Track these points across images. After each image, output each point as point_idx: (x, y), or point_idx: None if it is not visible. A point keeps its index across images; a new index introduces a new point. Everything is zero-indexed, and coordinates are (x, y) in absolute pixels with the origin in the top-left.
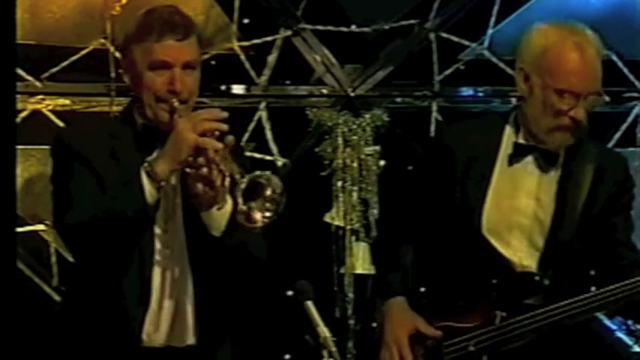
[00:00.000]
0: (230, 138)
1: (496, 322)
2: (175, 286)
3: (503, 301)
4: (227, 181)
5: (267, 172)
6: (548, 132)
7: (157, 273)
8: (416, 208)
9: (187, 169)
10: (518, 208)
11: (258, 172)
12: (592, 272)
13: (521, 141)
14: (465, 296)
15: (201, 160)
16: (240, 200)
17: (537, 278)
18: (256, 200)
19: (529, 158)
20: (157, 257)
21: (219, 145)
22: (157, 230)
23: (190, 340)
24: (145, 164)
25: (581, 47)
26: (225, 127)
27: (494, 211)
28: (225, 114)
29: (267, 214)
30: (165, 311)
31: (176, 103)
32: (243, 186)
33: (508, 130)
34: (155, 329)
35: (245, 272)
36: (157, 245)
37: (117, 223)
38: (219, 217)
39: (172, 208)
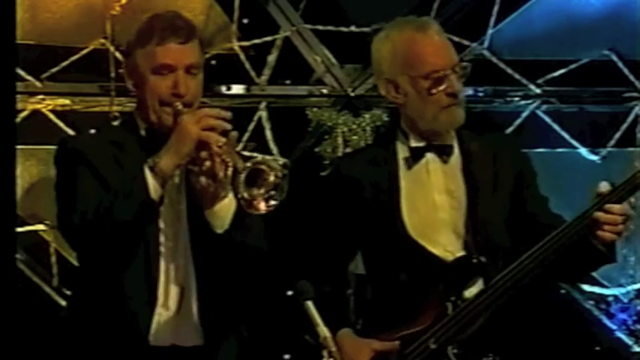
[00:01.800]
0: (234, 134)
1: (449, 313)
2: (179, 284)
3: (448, 291)
4: (230, 171)
5: (267, 157)
6: (435, 118)
7: (161, 271)
8: (341, 240)
9: (191, 167)
10: (433, 206)
11: (258, 158)
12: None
13: (414, 144)
14: (410, 302)
15: (204, 154)
16: (242, 189)
17: (475, 260)
18: (260, 187)
19: (427, 157)
20: (163, 257)
21: (223, 139)
22: (162, 231)
23: (196, 339)
24: (149, 160)
25: (422, 28)
26: (228, 126)
27: (413, 215)
28: (228, 114)
29: (272, 202)
30: (171, 310)
31: (180, 107)
32: (244, 174)
33: (400, 141)
34: (161, 328)
35: (248, 269)
36: (162, 245)
37: (121, 220)
38: (223, 214)
39: (176, 211)
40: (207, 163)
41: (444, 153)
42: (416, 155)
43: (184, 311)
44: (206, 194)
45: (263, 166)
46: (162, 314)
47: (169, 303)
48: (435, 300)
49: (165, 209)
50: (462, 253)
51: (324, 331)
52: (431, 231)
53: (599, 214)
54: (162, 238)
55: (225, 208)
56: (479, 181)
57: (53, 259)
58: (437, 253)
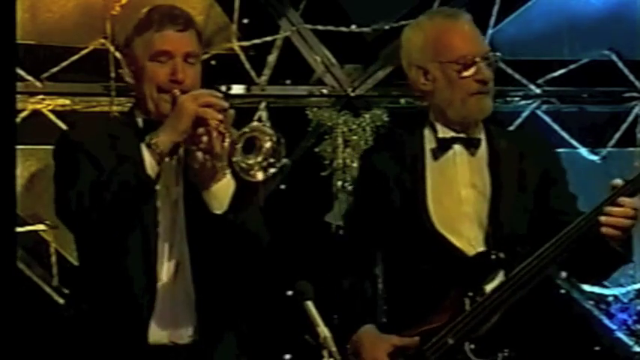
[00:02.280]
0: (231, 112)
1: (466, 309)
2: (175, 272)
3: (467, 287)
4: (227, 142)
5: (258, 124)
6: (463, 104)
7: (158, 261)
8: (367, 236)
9: (188, 146)
10: (459, 199)
11: (252, 125)
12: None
13: (441, 135)
14: (432, 296)
15: (201, 130)
16: (240, 158)
17: (493, 256)
18: (257, 155)
19: (454, 149)
20: (159, 244)
21: (220, 116)
22: (159, 216)
23: (191, 334)
24: (146, 137)
25: (454, 16)
26: (226, 104)
27: (439, 207)
28: (225, 103)
29: (270, 169)
30: (166, 302)
31: (178, 93)
32: (241, 143)
33: (426, 131)
34: (156, 321)
35: (245, 254)
36: (161, 232)
37: (118, 197)
38: (221, 195)
39: (173, 194)
40: (205, 139)
41: (471, 145)
42: (443, 146)
43: (180, 288)
44: (203, 171)
45: (257, 133)
46: (159, 293)
47: (166, 281)
48: (453, 295)
49: (162, 194)
50: (482, 249)
51: (324, 331)
52: (456, 224)
53: (610, 208)
54: (159, 217)
55: (224, 189)
56: (504, 177)
57: (53, 258)
58: (460, 246)
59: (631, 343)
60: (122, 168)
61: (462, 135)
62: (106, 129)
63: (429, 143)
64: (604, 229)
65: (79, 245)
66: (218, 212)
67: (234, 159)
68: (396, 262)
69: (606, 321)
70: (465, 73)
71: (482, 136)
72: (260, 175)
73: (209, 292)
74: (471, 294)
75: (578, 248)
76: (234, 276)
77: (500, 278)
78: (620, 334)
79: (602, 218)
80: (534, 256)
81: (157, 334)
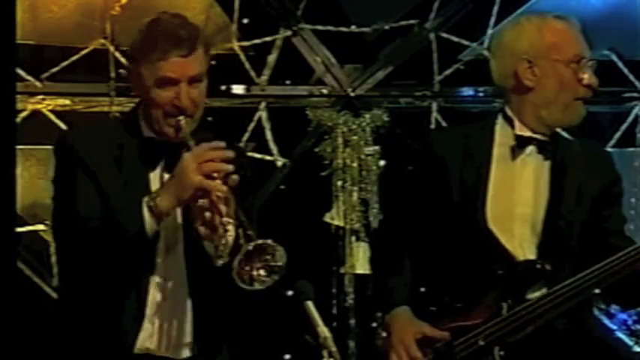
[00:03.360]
0: (234, 178)
1: (503, 313)
2: (174, 308)
3: (508, 292)
4: (229, 237)
5: (275, 243)
6: (567, 107)
7: (154, 295)
8: (415, 214)
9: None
10: (518, 199)
11: (268, 241)
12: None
13: (519, 133)
14: (471, 293)
15: (204, 202)
16: (240, 261)
17: (539, 266)
18: (257, 264)
19: (528, 149)
20: (156, 280)
21: (223, 188)
22: (157, 259)
23: (187, 353)
24: (147, 199)
25: (564, 19)
26: (230, 167)
27: (496, 205)
28: (230, 153)
29: (265, 280)
30: (164, 331)
31: (182, 121)
32: (249, 248)
33: (499, 127)
34: (148, 344)
35: (245, 298)
36: (156, 272)
37: (112, 245)
38: (222, 246)
39: (174, 237)
40: (207, 214)
41: (544, 148)
42: (521, 144)
43: (176, 331)
44: (204, 236)
45: (267, 247)
46: (152, 332)
47: (162, 323)
48: (493, 298)
49: (162, 238)
50: (530, 256)
51: (324, 331)
52: (509, 224)
53: None
54: (156, 266)
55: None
56: (566, 185)
57: (53, 259)
58: (509, 248)
59: (631, 343)
60: (122, 222)
61: (537, 136)
62: (108, 134)
63: (503, 139)
64: None
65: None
66: (219, 264)
67: (232, 264)
68: (441, 252)
69: (606, 321)
70: (582, 75)
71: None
72: (256, 285)
73: (206, 311)
74: (510, 300)
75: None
76: (232, 310)
77: (542, 289)
78: (620, 334)
79: None
80: (581, 275)
81: (151, 350)
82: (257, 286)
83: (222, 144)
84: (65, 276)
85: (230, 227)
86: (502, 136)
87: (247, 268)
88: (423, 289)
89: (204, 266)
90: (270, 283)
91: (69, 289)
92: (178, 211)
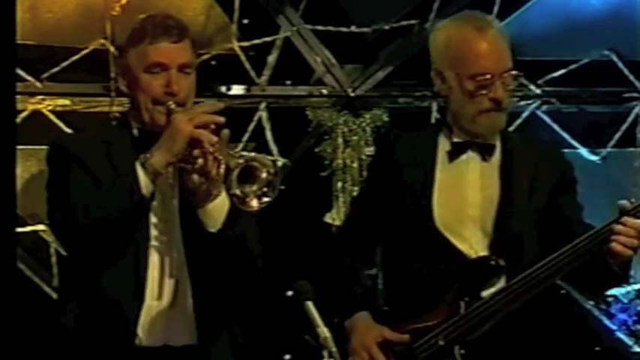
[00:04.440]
0: (226, 131)
1: (461, 312)
2: (173, 278)
3: (464, 290)
4: (222, 168)
5: (259, 154)
6: (473, 120)
7: (153, 270)
8: (373, 218)
9: (183, 165)
10: (465, 202)
11: (251, 155)
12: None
13: (456, 139)
14: (429, 294)
15: (196, 152)
16: (235, 186)
17: (493, 262)
18: (252, 184)
19: (468, 154)
20: (153, 254)
21: (215, 138)
22: (153, 230)
23: (188, 337)
24: (141, 157)
25: (481, 29)
26: (221, 119)
27: (443, 208)
28: (221, 105)
29: (265, 199)
30: (162, 309)
31: (173, 105)
32: (236, 171)
33: (442, 133)
34: (152, 327)
35: (240, 269)
36: (153, 242)
37: (112, 215)
38: (216, 214)
39: (169, 207)
40: (200, 161)
41: (485, 152)
42: (457, 150)
43: (178, 305)
44: (198, 192)
45: (255, 163)
46: (153, 307)
47: (163, 296)
48: (450, 297)
49: (158, 205)
50: (483, 253)
51: (324, 331)
52: (459, 226)
53: (616, 226)
54: (154, 233)
55: (219, 208)
56: (515, 184)
57: (53, 259)
58: (462, 248)
59: (631, 343)
60: (117, 186)
61: (476, 140)
62: (100, 134)
63: (444, 145)
64: (613, 245)
65: (69, 255)
66: (213, 230)
67: (230, 189)
68: (395, 256)
69: (606, 321)
70: (479, 93)
71: (498, 142)
72: (255, 204)
73: (207, 301)
74: (467, 298)
75: (580, 265)
76: (230, 285)
77: (500, 285)
78: (620, 335)
79: (614, 236)
80: (535, 267)
81: (151, 341)
82: (256, 204)
83: (219, 104)
84: (68, 265)
85: (222, 167)
86: (445, 142)
87: (243, 191)
88: (383, 292)
89: (200, 238)
90: (273, 196)
91: (71, 280)
92: (175, 192)
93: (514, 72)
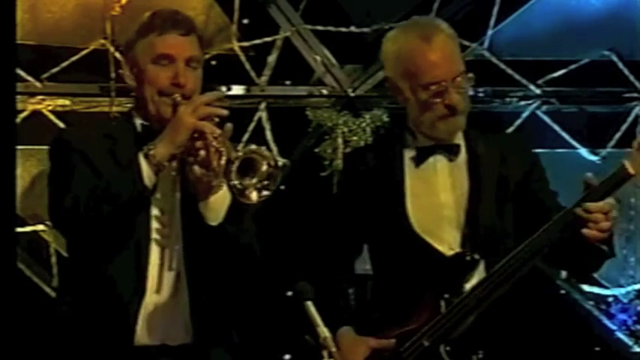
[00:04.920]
0: (229, 125)
1: (442, 311)
2: (173, 271)
3: (443, 288)
4: (223, 160)
5: (257, 147)
6: (432, 126)
7: (153, 263)
8: (348, 236)
9: (185, 157)
10: (439, 203)
11: (251, 147)
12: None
13: (420, 145)
14: (411, 297)
15: (199, 144)
16: (235, 177)
17: (468, 257)
18: (252, 177)
19: (435, 157)
20: (154, 247)
21: (217, 130)
22: (154, 223)
23: (185, 336)
24: (144, 148)
25: (428, 37)
26: (225, 112)
27: (418, 212)
28: (222, 94)
29: (265, 192)
30: (161, 303)
31: (179, 98)
32: (237, 163)
33: (406, 139)
34: (150, 322)
35: (239, 265)
36: (154, 235)
37: (114, 205)
38: (217, 207)
39: (171, 201)
40: (202, 153)
41: (451, 153)
42: (423, 155)
43: (177, 299)
44: (200, 184)
45: (255, 155)
46: (152, 301)
47: (162, 290)
48: (429, 297)
49: (160, 199)
50: (459, 250)
51: (324, 331)
52: (436, 228)
53: (580, 212)
54: (155, 226)
55: (220, 201)
56: (483, 180)
57: (53, 259)
58: (441, 249)
59: (631, 343)
60: (119, 176)
61: (441, 143)
62: (103, 130)
63: (408, 151)
64: (586, 231)
65: (70, 248)
66: (213, 224)
67: (230, 181)
68: (377, 265)
69: (606, 321)
70: (433, 100)
71: (462, 141)
72: (254, 197)
73: (204, 297)
74: (447, 295)
75: (558, 246)
76: (228, 282)
77: (476, 279)
78: (620, 335)
79: (583, 215)
80: (508, 257)
81: (148, 336)
82: (256, 197)
83: (221, 93)
84: (69, 258)
85: (224, 159)
86: (410, 148)
87: (242, 183)
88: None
89: (200, 232)
90: (273, 189)
91: (72, 274)
92: (177, 185)
93: (466, 74)
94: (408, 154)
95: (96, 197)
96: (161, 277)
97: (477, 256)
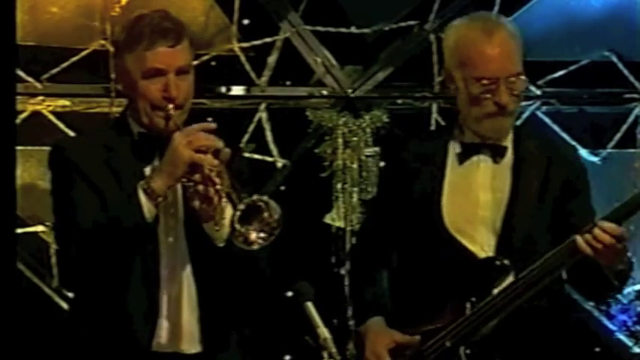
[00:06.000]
0: (226, 152)
1: (467, 313)
2: (180, 297)
3: (471, 291)
4: (224, 200)
5: (266, 197)
6: (478, 122)
7: (162, 287)
8: (385, 226)
9: (185, 184)
10: (476, 203)
11: (256, 197)
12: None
13: (467, 140)
14: (439, 297)
15: (197, 177)
16: (237, 223)
17: (498, 262)
18: (253, 223)
19: (479, 156)
20: (163, 271)
21: (215, 162)
22: (160, 245)
23: (195, 348)
24: (142, 182)
25: (490, 32)
26: (220, 144)
27: (453, 210)
28: (213, 125)
29: (263, 235)
30: (170, 323)
31: (172, 111)
32: (241, 208)
33: (454, 133)
34: (159, 339)
35: (248, 280)
36: (162, 259)
37: (118, 240)
38: (222, 227)
39: (174, 221)
40: (201, 187)
41: (497, 154)
42: (467, 152)
43: (184, 323)
44: (201, 214)
45: (260, 203)
46: (161, 326)
47: (171, 311)
48: (457, 299)
49: (164, 220)
50: (491, 254)
51: (324, 332)
52: (470, 228)
53: (596, 230)
54: (163, 249)
55: (224, 220)
56: (526, 184)
57: (53, 260)
58: (473, 250)
59: (631, 344)
60: (120, 210)
61: (488, 142)
62: (100, 139)
63: (454, 146)
64: (582, 246)
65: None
66: (219, 244)
67: (232, 225)
68: (407, 258)
69: (606, 322)
70: (483, 96)
71: (510, 143)
72: (254, 239)
73: (213, 309)
74: (474, 299)
75: (577, 267)
76: (237, 298)
77: (505, 285)
78: (620, 335)
79: (585, 236)
80: (534, 266)
81: (160, 346)
82: (256, 245)
83: (212, 125)
84: (75, 282)
85: (224, 196)
86: (455, 143)
87: (244, 229)
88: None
89: (207, 252)
90: (270, 240)
91: (79, 296)
92: (180, 205)
93: (522, 77)
94: (454, 149)
95: (100, 233)
96: (169, 300)
97: (507, 262)
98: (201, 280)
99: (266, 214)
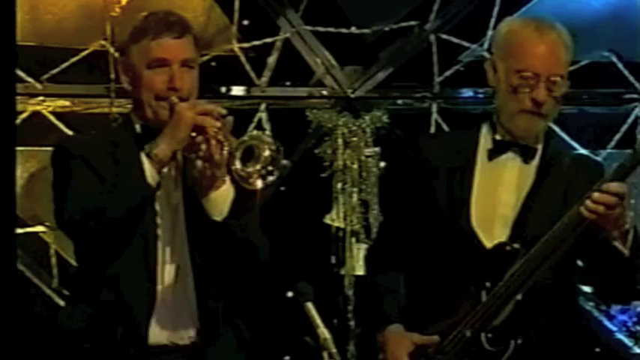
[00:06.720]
0: (229, 118)
1: (482, 300)
2: (177, 273)
3: (485, 279)
4: (225, 151)
5: (257, 133)
6: (512, 118)
7: (160, 261)
8: (409, 223)
9: (187, 154)
10: (500, 201)
11: (247, 137)
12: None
13: (499, 138)
14: (456, 292)
15: (200, 138)
16: (238, 164)
17: (508, 247)
18: (255, 163)
19: (509, 154)
20: (160, 245)
21: (218, 123)
22: (160, 221)
23: (192, 333)
24: (146, 147)
25: (541, 31)
26: (224, 111)
27: (480, 207)
28: (224, 111)
29: (269, 177)
30: (168, 299)
31: (176, 100)
32: (239, 151)
33: (485, 130)
34: (158, 321)
35: (245, 260)
36: (160, 233)
37: (120, 207)
38: (221, 202)
39: (173, 200)
40: (203, 147)
41: (527, 155)
42: (498, 150)
43: (185, 294)
44: (203, 179)
45: (256, 142)
46: (161, 298)
47: (170, 286)
48: (470, 289)
49: (161, 199)
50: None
51: (324, 332)
52: (490, 225)
53: (595, 193)
54: (161, 223)
55: (223, 196)
56: (550, 185)
57: (53, 260)
58: (489, 246)
59: (631, 344)
60: (123, 178)
61: (519, 141)
62: (104, 134)
63: (485, 142)
64: (583, 212)
65: (78, 251)
66: (217, 219)
67: (232, 167)
68: (425, 256)
69: (606, 322)
70: (522, 90)
71: (540, 146)
72: (259, 183)
73: (210, 293)
74: (488, 284)
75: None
76: (234, 278)
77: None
78: (620, 336)
79: (586, 203)
80: (541, 242)
81: (157, 335)
82: (260, 184)
83: (223, 110)
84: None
85: (226, 150)
86: (487, 140)
87: (248, 169)
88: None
89: (205, 229)
90: (274, 173)
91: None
92: (180, 194)
93: (562, 81)
94: (485, 145)
95: (101, 201)
96: (169, 275)
97: (517, 246)
98: (198, 258)
99: (265, 152)
